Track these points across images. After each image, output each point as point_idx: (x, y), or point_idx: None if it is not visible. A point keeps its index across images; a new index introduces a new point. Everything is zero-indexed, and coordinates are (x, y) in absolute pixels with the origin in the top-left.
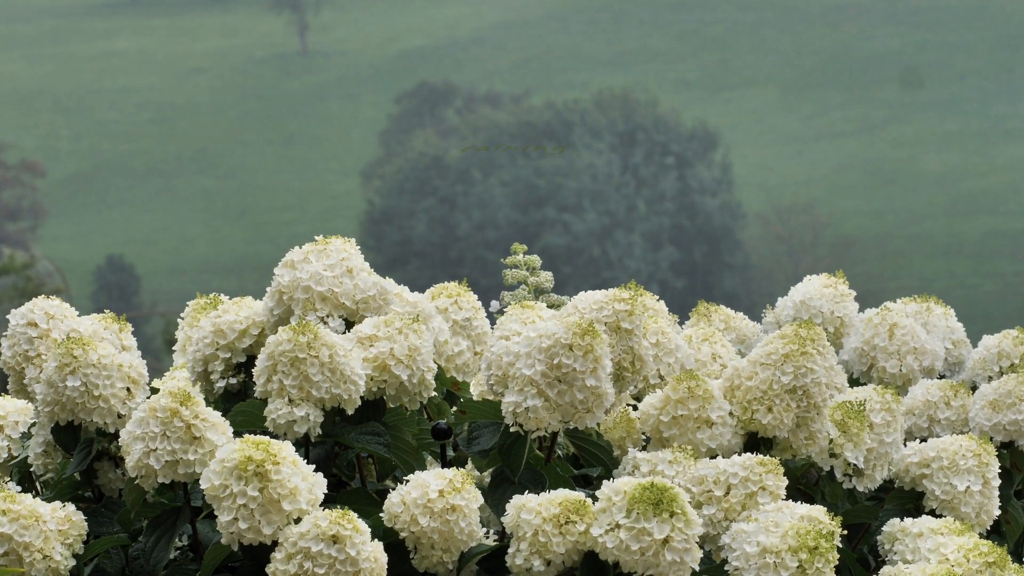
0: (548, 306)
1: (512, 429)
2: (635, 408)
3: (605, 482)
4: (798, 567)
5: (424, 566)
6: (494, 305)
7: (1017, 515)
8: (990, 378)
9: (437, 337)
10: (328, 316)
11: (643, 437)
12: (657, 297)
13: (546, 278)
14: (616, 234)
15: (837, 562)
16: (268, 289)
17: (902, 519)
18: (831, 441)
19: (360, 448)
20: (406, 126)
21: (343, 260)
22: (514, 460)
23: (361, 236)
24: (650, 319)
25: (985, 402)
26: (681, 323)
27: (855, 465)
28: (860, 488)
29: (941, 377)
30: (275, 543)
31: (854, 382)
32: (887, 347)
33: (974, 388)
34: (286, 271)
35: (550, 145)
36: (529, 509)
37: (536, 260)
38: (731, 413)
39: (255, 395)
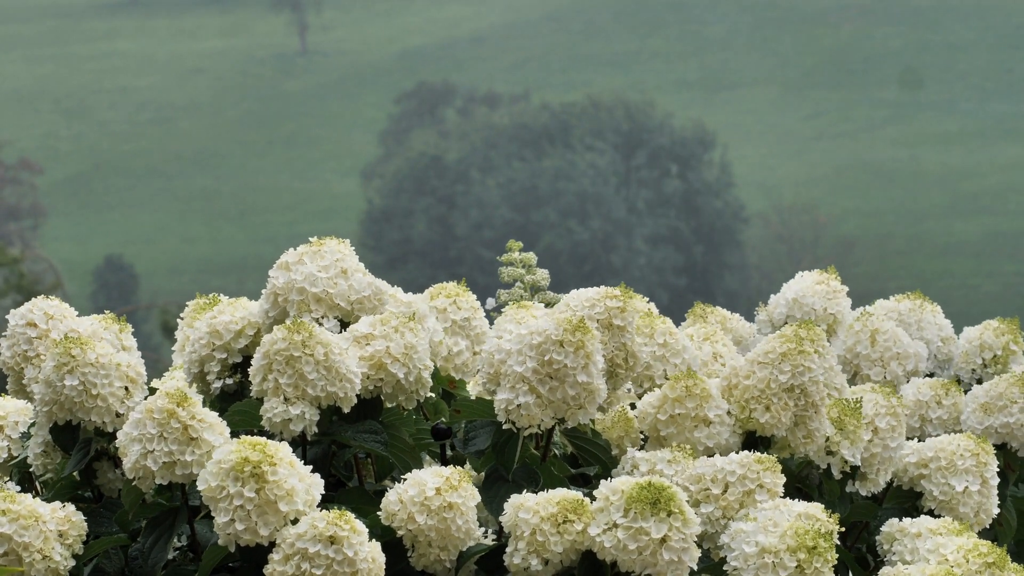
0: (544, 304)
1: (505, 426)
2: (634, 407)
3: (603, 481)
4: (796, 567)
5: (422, 564)
6: (489, 303)
7: (1010, 517)
8: (973, 371)
9: (432, 338)
10: (323, 317)
11: (641, 436)
12: (647, 299)
13: (542, 276)
14: (615, 235)
15: (836, 561)
16: (263, 291)
17: (900, 519)
18: (828, 439)
19: (357, 446)
20: (406, 126)
21: (337, 261)
22: (507, 458)
23: (361, 236)
24: (658, 319)
25: (976, 405)
26: (676, 324)
27: (852, 463)
28: (863, 492)
29: (931, 375)
30: (272, 544)
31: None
32: (870, 355)
33: (958, 381)
34: (281, 273)
35: (549, 146)
36: (527, 508)
37: (532, 257)
38: (729, 412)
39: (251, 394)
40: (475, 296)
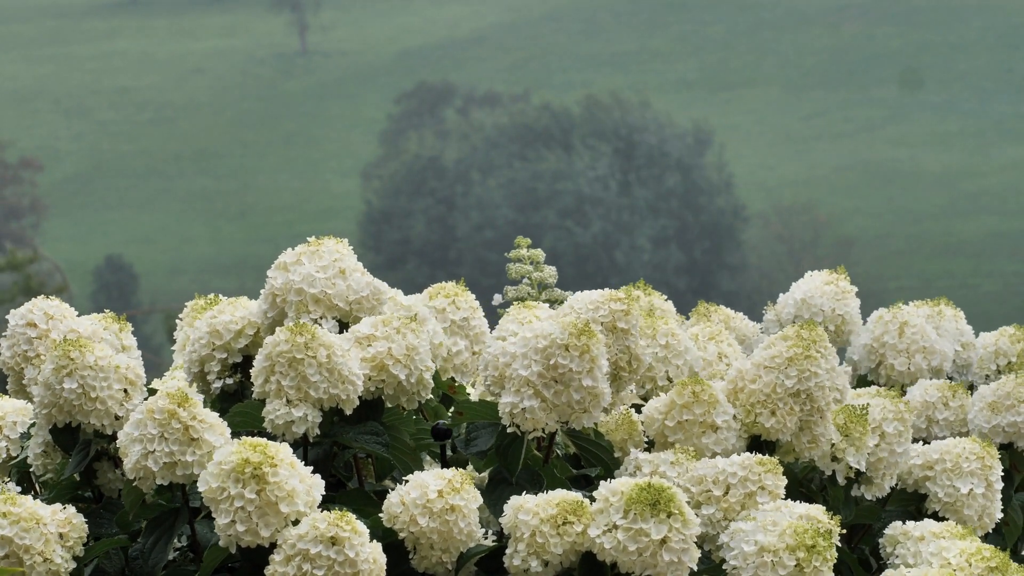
0: (550, 301)
1: (509, 430)
2: (639, 410)
3: (603, 483)
4: (795, 566)
5: (423, 566)
6: (496, 299)
7: (1016, 516)
8: (987, 377)
9: (432, 340)
10: (321, 318)
11: (645, 439)
12: (665, 297)
13: (549, 273)
14: (617, 235)
15: (835, 560)
16: (262, 292)
17: (904, 521)
18: (833, 446)
19: (358, 447)
20: (406, 126)
21: (336, 261)
22: (511, 461)
23: (360, 236)
24: (659, 320)
25: (984, 404)
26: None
27: (858, 470)
28: (869, 496)
29: (949, 379)
30: (274, 545)
31: (862, 379)
32: (896, 345)
33: (971, 387)
34: (279, 273)
35: (549, 147)
36: (527, 510)
37: (540, 254)
38: (735, 417)
39: (253, 396)
40: (474, 296)
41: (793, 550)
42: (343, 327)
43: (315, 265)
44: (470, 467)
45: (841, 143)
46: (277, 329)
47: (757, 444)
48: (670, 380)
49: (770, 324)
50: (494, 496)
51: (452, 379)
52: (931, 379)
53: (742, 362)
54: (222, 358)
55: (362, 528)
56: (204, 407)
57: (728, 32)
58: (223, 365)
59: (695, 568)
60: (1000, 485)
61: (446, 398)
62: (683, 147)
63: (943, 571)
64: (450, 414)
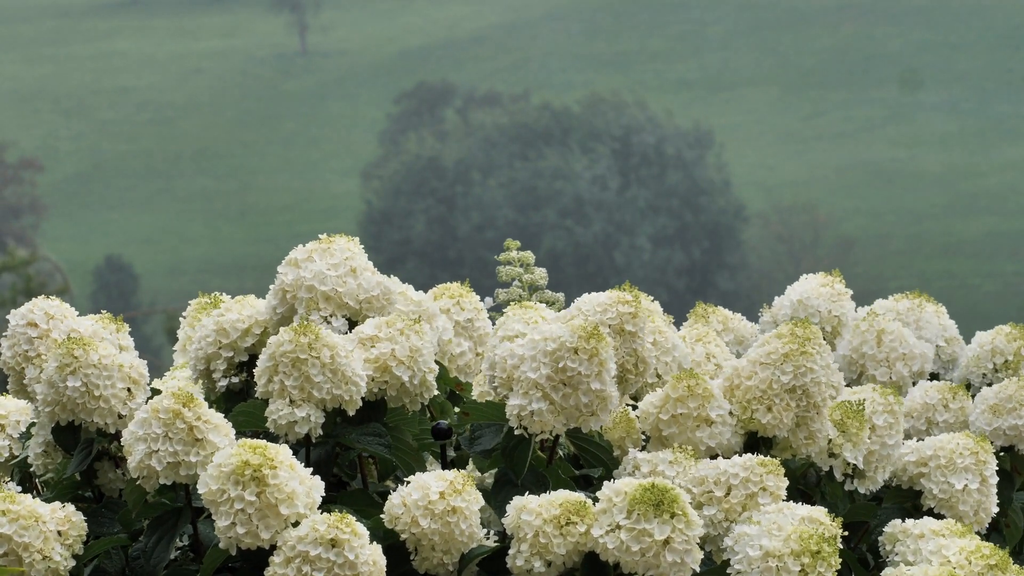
0: (542, 303)
1: (516, 432)
2: (634, 408)
3: (606, 483)
4: (800, 571)
5: (425, 567)
6: (487, 302)
7: (1017, 518)
8: (984, 375)
9: (441, 336)
10: (331, 316)
11: (643, 437)
12: (652, 298)
13: (540, 274)
14: (617, 235)
15: (839, 566)
16: (271, 287)
17: (902, 520)
18: (830, 441)
19: (361, 448)
20: (406, 126)
21: (347, 259)
22: (518, 462)
23: (360, 236)
24: (647, 318)
25: (986, 406)
26: (679, 324)
27: (855, 465)
28: (862, 490)
29: (934, 376)
30: (274, 547)
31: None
32: (876, 355)
33: (968, 386)
34: (289, 269)
35: (549, 146)
36: (529, 510)
37: (530, 256)
38: (731, 412)
39: (256, 395)
40: (479, 297)
41: (798, 555)
42: (352, 325)
43: (326, 263)
44: (470, 467)
45: (841, 143)
46: (281, 329)
47: (754, 440)
48: (659, 377)
49: (766, 326)
50: (500, 497)
51: (457, 378)
52: (915, 382)
53: (736, 360)
54: (228, 356)
55: (362, 530)
56: (209, 407)
57: (728, 32)
58: (229, 364)
59: (697, 569)
60: (995, 480)
61: (454, 396)
62: (683, 147)
63: (943, 569)
64: (456, 413)
